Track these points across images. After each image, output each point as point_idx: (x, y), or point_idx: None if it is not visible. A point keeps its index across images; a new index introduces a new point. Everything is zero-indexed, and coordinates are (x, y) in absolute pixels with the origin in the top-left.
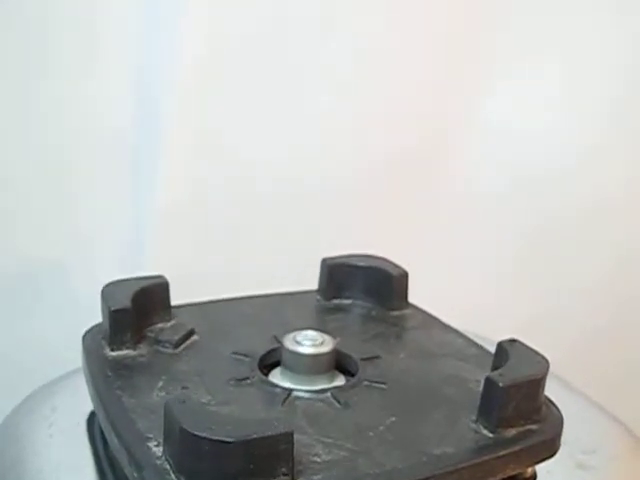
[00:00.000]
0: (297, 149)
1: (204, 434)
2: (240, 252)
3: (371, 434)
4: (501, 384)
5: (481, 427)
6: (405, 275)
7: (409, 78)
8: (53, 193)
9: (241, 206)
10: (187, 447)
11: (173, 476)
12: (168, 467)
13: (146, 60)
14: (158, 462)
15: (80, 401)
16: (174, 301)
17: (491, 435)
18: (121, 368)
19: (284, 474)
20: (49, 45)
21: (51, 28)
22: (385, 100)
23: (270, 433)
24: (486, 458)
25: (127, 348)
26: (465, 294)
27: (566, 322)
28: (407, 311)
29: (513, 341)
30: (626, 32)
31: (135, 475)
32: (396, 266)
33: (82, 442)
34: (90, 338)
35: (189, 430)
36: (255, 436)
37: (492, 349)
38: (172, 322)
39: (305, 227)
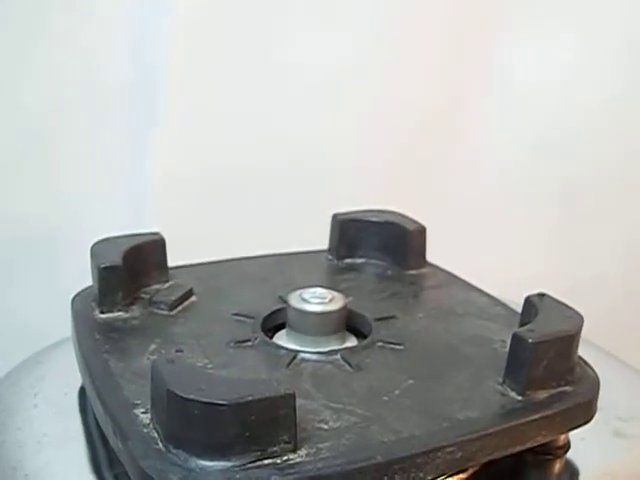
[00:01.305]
0: (302, 114)
1: (193, 396)
2: (242, 216)
3: (385, 398)
4: (530, 340)
5: (508, 389)
6: (423, 230)
7: (424, 45)
8: (45, 158)
9: (242, 173)
10: (175, 412)
11: (161, 445)
12: (156, 435)
13: (141, 23)
14: (145, 430)
15: (70, 370)
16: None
17: (520, 398)
18: (111, 331)
19: (285, 442)
20: (42, 7)
21: None
22: (401, 67)
23: (268, 395)
24: (514, 423)
25: (118, 310)
26: (489, 261)
27: (599, 289)
28: (425, 270)
29: (542, 295)
30: None
31: (120, 445)
32: (413, 221)
33: (70, 413)
34: (79, 301)
35: (177, 392)
36: (251, 398)
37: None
38: (169, 283)
39: (313, 189)
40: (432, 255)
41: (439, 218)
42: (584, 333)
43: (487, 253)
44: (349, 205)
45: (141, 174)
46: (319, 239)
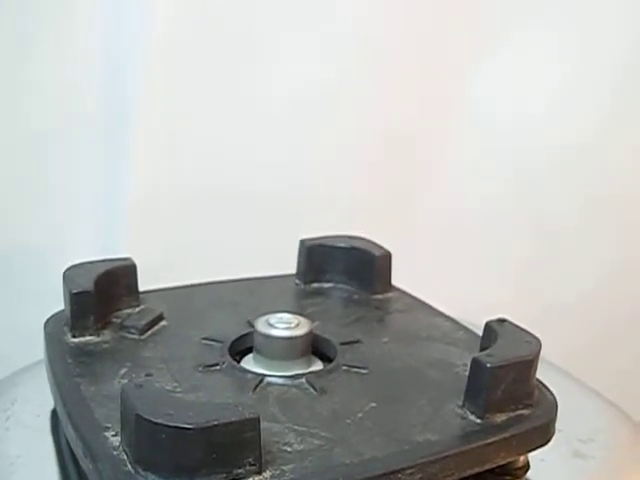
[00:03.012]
0: (274, 140)
1: (161, 420)
2: (216, 237)
3: (348, 421)
4: (489, 365)
5: (468, 412)
6: (388, 256)
7: (396, 74)
8: (23, 179)
9: (216, 192)
10: (143, 435)
11: (130, 467)
12: (125, 458)
13: (115, 44)
14: (114, 452)
15: (42, 393)
16: (148, 288)
17: (479, 421)
18: (82, 355)
19: (250, 464)
20: (18, 31)
21: (19, 14)
22: (378, 86)
23: (234, 419)
24: (473, 445)
25: (90, 334)
26: (456, 291)
27: (569, 318)
28: (391, 294)
29: (502, 320)
30: (626, 11)
31: (90, 467)
32: (379, 246)
33: (43, 436)
34: (52, 324)
35: (145, 416)
36: (217, 422)
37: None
38: (140, 307)
39: (284, 211)
40: (400, 280)
41: (408, 243)
42: (550, 357)
43: (456, 279)
44: (318, 229)
45: (115, 199)
46: (289, 262)
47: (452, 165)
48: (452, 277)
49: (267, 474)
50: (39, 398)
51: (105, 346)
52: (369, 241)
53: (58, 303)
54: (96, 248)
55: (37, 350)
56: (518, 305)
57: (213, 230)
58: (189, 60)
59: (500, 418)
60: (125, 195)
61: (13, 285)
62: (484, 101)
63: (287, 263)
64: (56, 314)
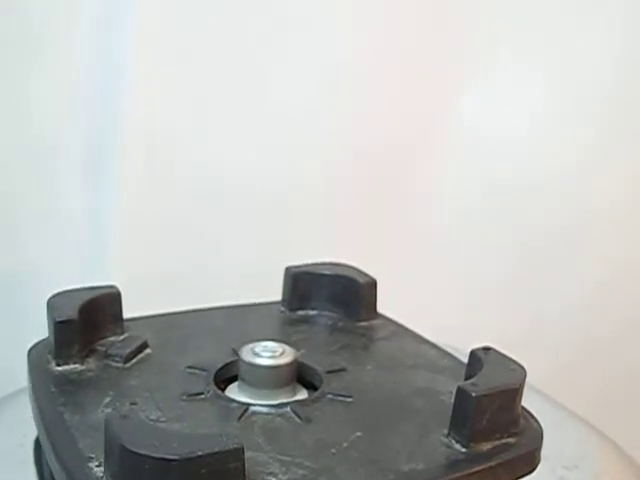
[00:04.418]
0: (262, 148)
1: (145, 451)
2: (204, 256)
3: (333, 451)
4: (474, 394)
5: (453, 441)
6: (373, 283)
7: (385, 81)
8: (3, 209)
9: (204, 209)
10: (127, 466)
11: None
12: None
13: (100, 59)
14: None
15: (25, 422)
16: (134, 310)
17: (464, 450)
18: (66, 384)
19: None
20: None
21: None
22: (357, 105)
23: (218, 449)
24: (459, 475)
25: (74, 362)
26: (440, 309)
27: (552, 338)
28: (376, 321)
29: (487, 349)
30: (611, 36)
31: None
32: (364, 274)
33: (25, 465)
34: (36, 353)
35: (129, 447)
36: (200, 453)
37: None
38: (124, 335)
39: (272, 231)
40: (384, 305)
41: (391, 267)
42: (534, 382)
43: (439, 296)
44: (302, 253)
45: (100, 224)
46: (274, 289)
47: (435, 181)
48: (435, 293)
49: None
50: (22, 427)
51: (89, 374)
52: (354, 268)
53: (43, 331)
54: (81, 271)
55: (15, 382)
56: (501, 322)
57: (197, 258)
58: (178, 61)
59: (485, 447)
60: (112, 214)
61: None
62: (469, 117)
63: (272, 289)
64: (40, 342)
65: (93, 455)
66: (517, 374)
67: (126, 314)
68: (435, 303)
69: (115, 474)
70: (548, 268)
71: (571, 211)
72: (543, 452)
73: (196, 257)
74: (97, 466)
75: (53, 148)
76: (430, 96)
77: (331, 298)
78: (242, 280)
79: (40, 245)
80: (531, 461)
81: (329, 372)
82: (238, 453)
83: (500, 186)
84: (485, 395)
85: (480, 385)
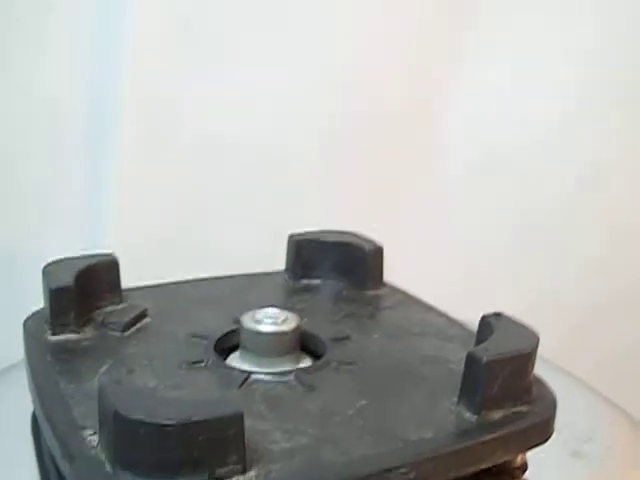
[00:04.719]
0: (263, 108)
1: (139, 417)
2: (204, 230)
3: (338, 419)
4: (484, 359)
5: (463, 409)
6: (380, 250)
7: (395, 33)
8: (4, 181)
9: (203, 183)
10: (122, 433)
11: (108, 467)
12: (103, 457)
13: (97, 39)
14: (92, 452)
15: (23, 394)
16: (134, 282)
17: (475, 418)
18: (62, 352)
19: (234, 463)
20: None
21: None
22: (359, 65)
23: (216, 415)
24: (469, 443)
25: (70, 331)
26: (443, 277)
27: (558, 310)
28: (382, 290)
29: (498, 314)
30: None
31: (67, 467)
32: (370, 241)
33: (21, 438)
34: (32, 322)
35: (123, 413)
36: (198, 419)
37: None
38: (123, 304)
39: (273, 200)
40: (390, 275)
41: (398, 237)
42: (541, 351)
43: (441, 269)
44: (306, 224)
45: (100, 196)
46: (278, 259)
47: (437, 152)
48: (438, 267)
49: (252, 474)
50: (19, 400)
51: (86, 343)
52: (360, 236)
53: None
54: (79, 241)
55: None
56: (506, 290)
57: (200, 228)
58: (174, 45)
59: (497, 415)
60: (110, 191)
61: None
62: (471, 88)
63: (272, 263)
64: (36, 312)
65: (87, 424)
66: (529, 339)
67: (125, 285)
68: (437, 272)
69: (109, 442)
70: (552, 234)
71: (574, 174)
72: (555, 424)
73: (196, 227)
74: (91, 435)
75: (52, 115)
76: (432, 62)
77: (336, 266)
78: (243, 250)
79: (38, 216)
80: (544, 431)
81: (334, 340)
82: (238, 419)
83: (502, 160)
84: (496, 360)
85: (491, 350)
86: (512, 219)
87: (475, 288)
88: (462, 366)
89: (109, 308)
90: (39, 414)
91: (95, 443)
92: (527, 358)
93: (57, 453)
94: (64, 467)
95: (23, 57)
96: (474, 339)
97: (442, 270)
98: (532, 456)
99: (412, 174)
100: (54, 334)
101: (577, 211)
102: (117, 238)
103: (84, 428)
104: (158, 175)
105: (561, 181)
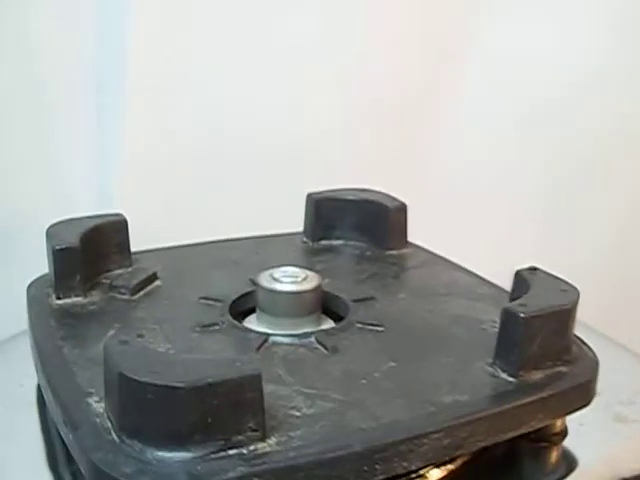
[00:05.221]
0: (276, 94)
1: (147, 379)
2: (217, 197)
3: (364, 382)
4: (522, 315)
5: (499, 370)
6: (404, 208)
7: (402, 25)
8: (7, 145)
9: (214, 147)
10: (128, 397)
11: (114, 435)
12: (109, 425)
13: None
14: (97, 420)
15: (28, 363)
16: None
17: (512, 379)
18: (67, 317)
19: (252, 429)
20: None
21: None
22: (383, 29)
23: (231, 376)
24: (507, 407)
25: (76, 295)
26: (473, 242)
27: (589, 272)
28: (406, 250)
29: (534, 269)
30: None
31: (70, 437)
32: (393, 198)
33: (25, 406)
34: (35, 287)
35: (129, 375)
36: (211, 380)
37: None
38: (132, 267)
39: (289, 169)
40: (412, 237)
41: (420, 198)
42: (578, 316)
43: (470, 233)
44: (325, 186)
45: (107, 157)
46: (295, 221)
47: (463, 116)
48: (466, 232)
49: (272, 441)
50: (24, 368)
51: (92, 307)
52: (382, 193)
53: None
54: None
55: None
56: (535, 253)
57: (213, 187)
58: (185, 6)
59: (536, 376)
60: (120, 152)
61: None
62: (494, 49)
63: (290, 222)
64: (41, 277)
65: (93, 390)
66: (569, 294)
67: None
68: (465, 241)
69: (115, 407)
70: (580, 199)
71: (602, 134)
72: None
73: (210, 194)
74: (97, 402)
75: (58, 85)
76: (454, 27)
77: (357, 226)
78: (259, 212)
79: (43, 185)
80: (586, 393)
81: (356, 301)
82: (255, 381)
83: (529, 121)
84: (535, 316)
85: (529, 305)
86: (543, 180)
87: (505, 256)
88: (495, 326)
89: (117, 271)
90: (41, 380)
91: (100, 410)
92: (567, 314)
93: (60, 421)
94: (67, 436)
95: (24, 24)
96: (506, 298)
97: (467, 234)
98: (571, 420)
99: (437, 136)
100: (58, 298)
101: (608, 168)
102: (126, 207)
103: (89, 395)
104: (170, 129)
105: (591, 136)
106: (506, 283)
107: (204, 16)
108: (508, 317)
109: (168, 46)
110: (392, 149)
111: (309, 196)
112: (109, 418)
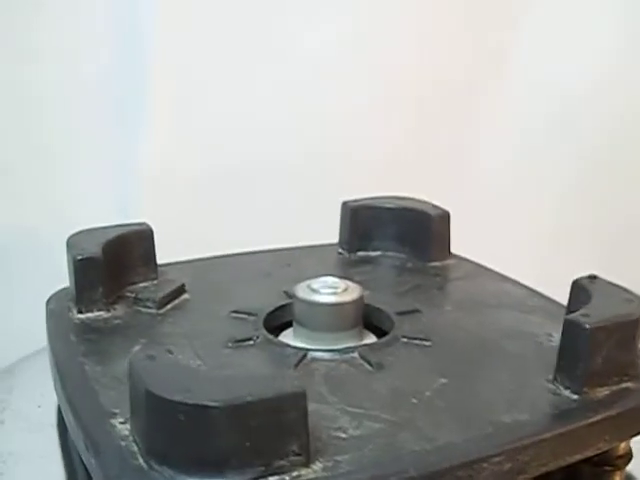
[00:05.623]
0: (306, 100)
1: (178, 397)
2: (241, 210)
3: (415, 401)
4: (587, 325)
5: (561, 387)
6: (446, 216)
7: (439, 28)
8: (30, 154)
9: (242, 164)
10: (157, 418)
11: (141, 460)
12: (135, 449)
13: (129, 9)
14: (122, 443)
15: (46, 381)
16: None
17: (576, 397)
18: (89, 332)
19: (295, 454)
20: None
21: None
22: (414, 49)
23: (273, 394)
24: (573, 427)
25: (98, 309)
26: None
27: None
28: (450, 261)
29: (593, 277)
30: None
31: (93, 462)
32: (434, 206)
33: (43, 428)
34: (55, 300)
35: (157, 393)
36: (250, 399)
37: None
38: (158, 280)
39: (320, 178)
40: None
41: (460, 205)
42: None
43: (512, 242)
44: (358, 195)
45: (132, 169)
46: (325, 234)
47: (500, 116)
48: (508, 240)
49: (317, 466)
50: (40, 387)
51: (116, 322)
52: (421, 200)
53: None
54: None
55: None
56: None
57: (238, 201)
58: (205, 27)
59: (601, 393)
60: (143, 170)
61: (15, 272)
62: (532, 52)
63: (322, 234)
64: (60, 290)
65: (117, 410)
66: (634, 304)
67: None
68: (506, 244)
69: (142, 429)
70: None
71: (629, 134)
72: None
73: (233, 209)
74: (121, 423)
75: (84, 86)
76: (493, 28)
77: (397, 236)
78: (288, 226)
79: (67, 191)
80: None
81: (400, 314)
82: (299, 399)
83: (565, 121)
84: (600, 327)
85: (593, 316)
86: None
87: (551, 264)
88: (552, 340)
89: (142, 284)
90: (61, 400)
91: (126, 433)
92: (634, 325)
93: (81, 445)
94: (89, 462)
95: (50, 25)
96: (560, 310)
97: (506, 235)
98: (636, 442)
99: (475, 139)
100: (80, 312)
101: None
102: (148, 211)
103: (113, 416)
104: (194, 143)
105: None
106: (556, 295)
107: (228, 30)
108: (571, 328)
109: (192, 60)
110: (429, 153)
111: (344, 204)
112: (135, 441)
